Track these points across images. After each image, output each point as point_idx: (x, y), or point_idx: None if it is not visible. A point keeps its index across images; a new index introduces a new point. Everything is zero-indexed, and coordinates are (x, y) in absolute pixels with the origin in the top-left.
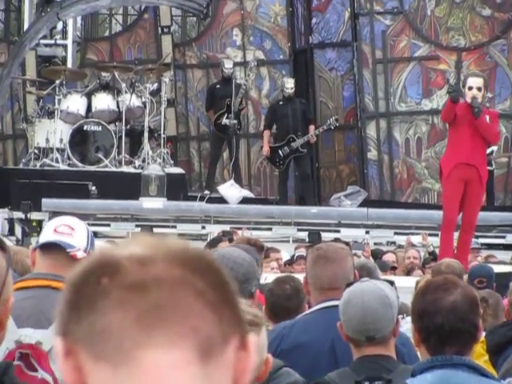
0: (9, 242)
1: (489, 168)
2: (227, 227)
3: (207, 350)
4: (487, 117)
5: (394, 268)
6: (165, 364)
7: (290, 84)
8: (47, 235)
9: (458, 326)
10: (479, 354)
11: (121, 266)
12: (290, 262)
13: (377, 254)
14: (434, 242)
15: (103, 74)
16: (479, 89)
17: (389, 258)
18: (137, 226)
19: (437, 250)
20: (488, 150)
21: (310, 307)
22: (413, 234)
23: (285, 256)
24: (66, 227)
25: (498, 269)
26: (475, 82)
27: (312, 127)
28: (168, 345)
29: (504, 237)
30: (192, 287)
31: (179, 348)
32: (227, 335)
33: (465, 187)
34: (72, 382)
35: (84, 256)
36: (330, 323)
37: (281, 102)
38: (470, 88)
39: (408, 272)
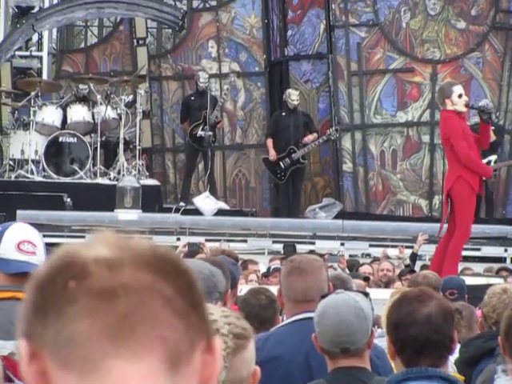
0: None
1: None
2: (202, 239)
3: (175, 360)
4: None
5: (366, 279)
6: (132, 376)
7: (294, 96)
8: (11, 252)
9: (432, 338)
10: None
11: (88, 270)
12: (266, 274)
13: (353, 266)
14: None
15: (80, 86)
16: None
17: (365, 270)
18: None
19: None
20: (486, 160)
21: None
22: (387, 246)
23: (261, 268)
24: (29, 245)
25: (473, 281)
26: (462, 89)
27: (311, 136)
28: (135, 356)
29: (479, 249)
30: (160, 294)
31: (147, 360)
32: (194, 341)
33: None
34: None
35: None
36: (305, 335)
37: (283, 113)
38: (460, 95)
39: (386, 284)
